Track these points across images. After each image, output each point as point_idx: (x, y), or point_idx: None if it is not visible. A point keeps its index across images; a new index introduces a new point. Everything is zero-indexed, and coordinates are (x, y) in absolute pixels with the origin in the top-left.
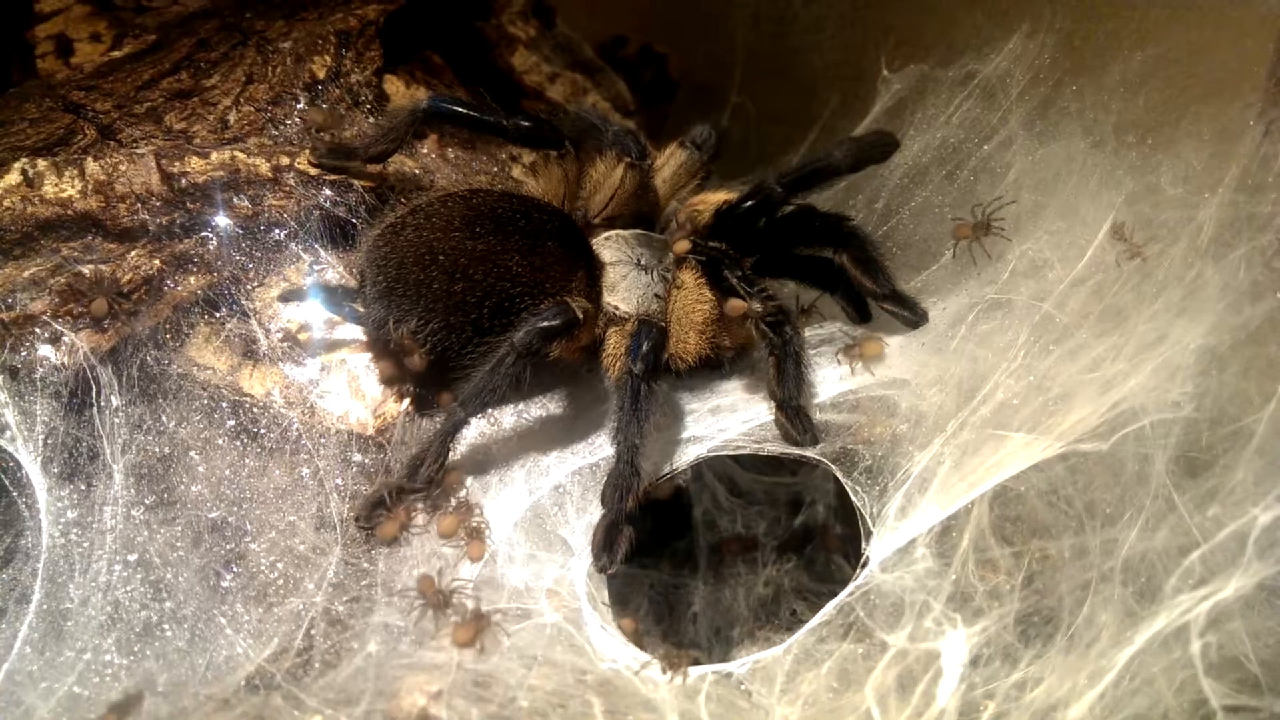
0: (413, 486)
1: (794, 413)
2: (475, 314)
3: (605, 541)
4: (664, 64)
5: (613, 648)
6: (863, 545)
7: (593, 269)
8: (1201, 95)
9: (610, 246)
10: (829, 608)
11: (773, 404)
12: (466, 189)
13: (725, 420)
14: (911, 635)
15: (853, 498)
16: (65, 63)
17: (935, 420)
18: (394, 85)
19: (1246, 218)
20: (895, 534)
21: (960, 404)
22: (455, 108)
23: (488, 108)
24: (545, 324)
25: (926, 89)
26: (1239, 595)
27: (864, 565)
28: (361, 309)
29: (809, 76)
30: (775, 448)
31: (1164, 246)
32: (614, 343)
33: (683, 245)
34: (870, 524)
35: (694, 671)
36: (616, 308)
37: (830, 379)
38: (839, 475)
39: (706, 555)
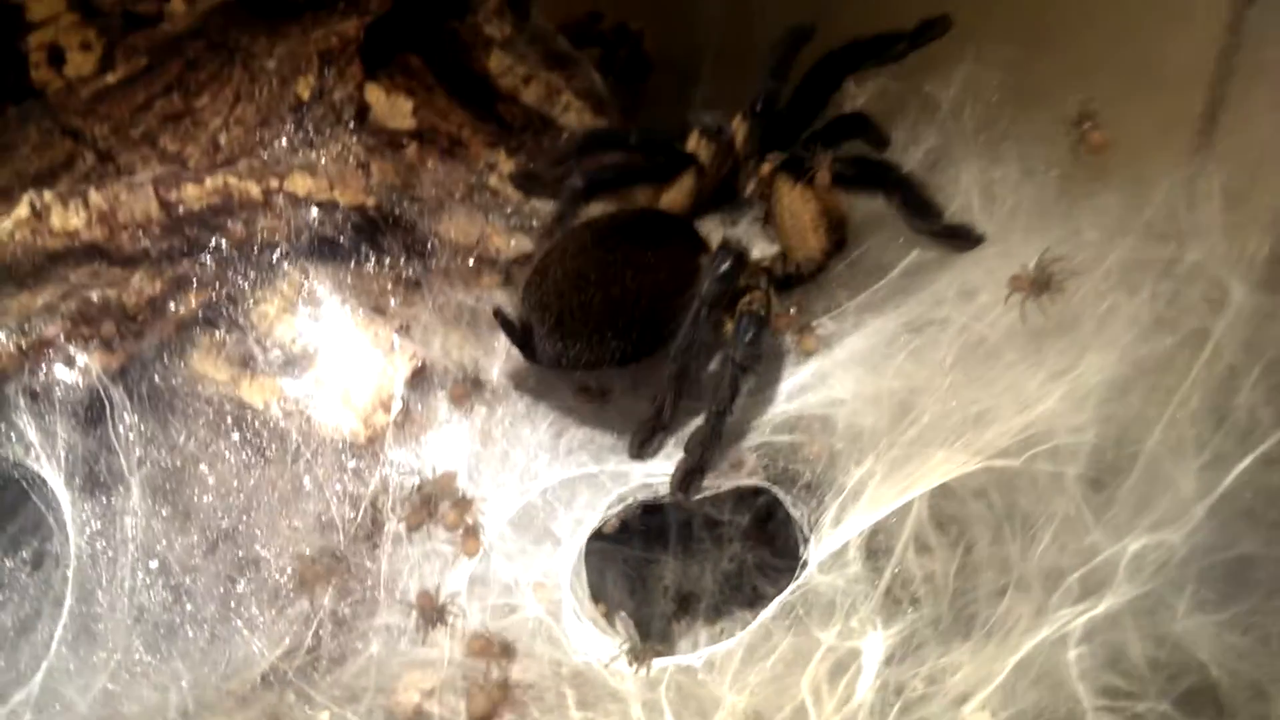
0: (660, 424)
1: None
2: (638, 311)
3: (682, 482)
4: (639, 42)
5: (586, 640)
6: (801, 550)
7: (706, 245)
8: (1122, 140)
9: (701, 227)
10: (774, 604)
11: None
12: (586, 220)
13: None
14: (840, 633)
15: (791, 511)
16: (58, 72)
17: (870, 438)
18: (375, 94)
19: (1150, 262)
20: (830, 539)
21: (892, 422)
22: (610, 174)
23: (634, 159)
24: (723, 269)
25: (886, 103)
26: (1108, 613)
27: (804, 567)
28: (539, 350)
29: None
30: (729, 483)
31: (1080, 283)
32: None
33: (766, 168)
34: (808, 531)
35: (657, 664)
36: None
37: (779, 398)
38: (779, 495)
39: (677, 532)
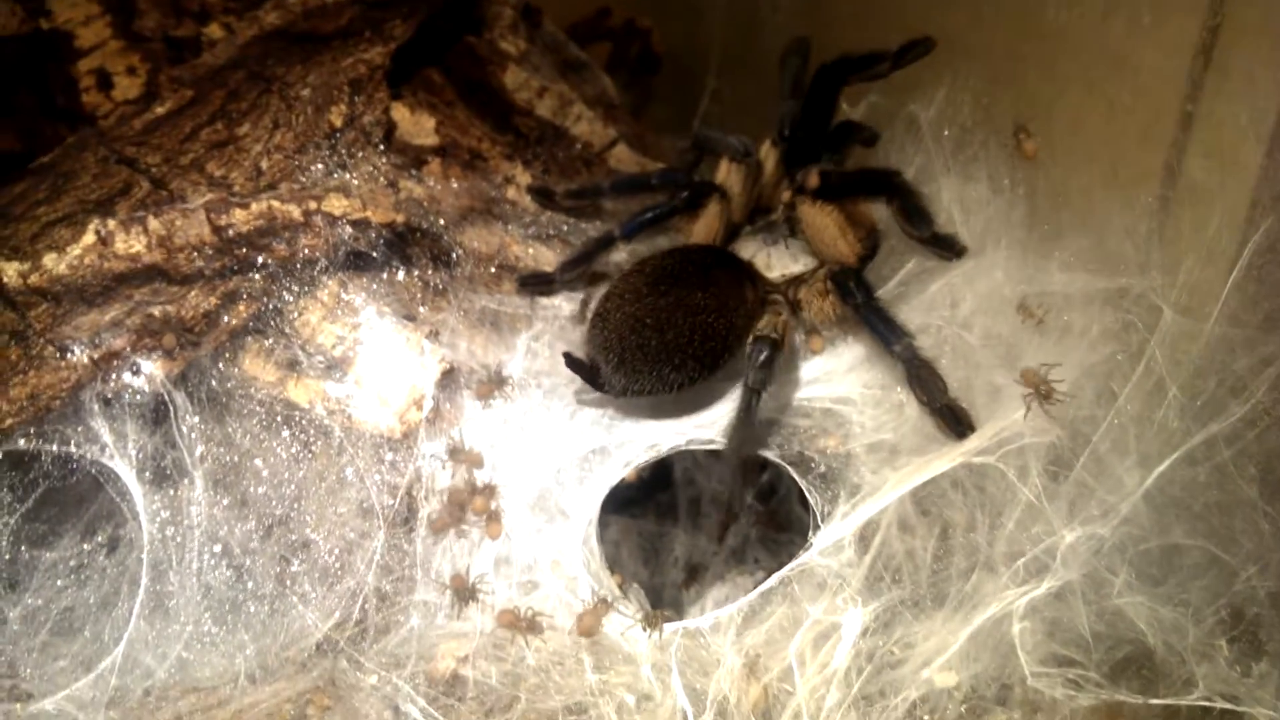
0: (734, 516)
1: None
2: (691, 348)
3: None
4: (648, 38)
5: None
6: (810, 533)
7: (750, 268)
8: (1075, 169)
9: (741, 249)
10: (774, 578)
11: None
12: (638, 263)
13: (702, 417)
14: (826, 609)
15: (808, 495)
16: (107, 95)
17: (887, 452)
18: (400, 113)
19: (1098, 290)
20: (836, 528)
21: (897, 429)
22: (641, 220)
23: (659, 202)
24: (762, 358)
25: (875, 120)
26: (1047, 592)
27: (808, 549)
28: (606, 384)
29: (776, 79)
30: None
31: (1046, 309)
32: (811, 302)
33: (786, 195)
34: (820, 519)
35: (668, 628)
36: (784, 273)
37: (790, 386)
38: (796, 477)
39: (686, 508)
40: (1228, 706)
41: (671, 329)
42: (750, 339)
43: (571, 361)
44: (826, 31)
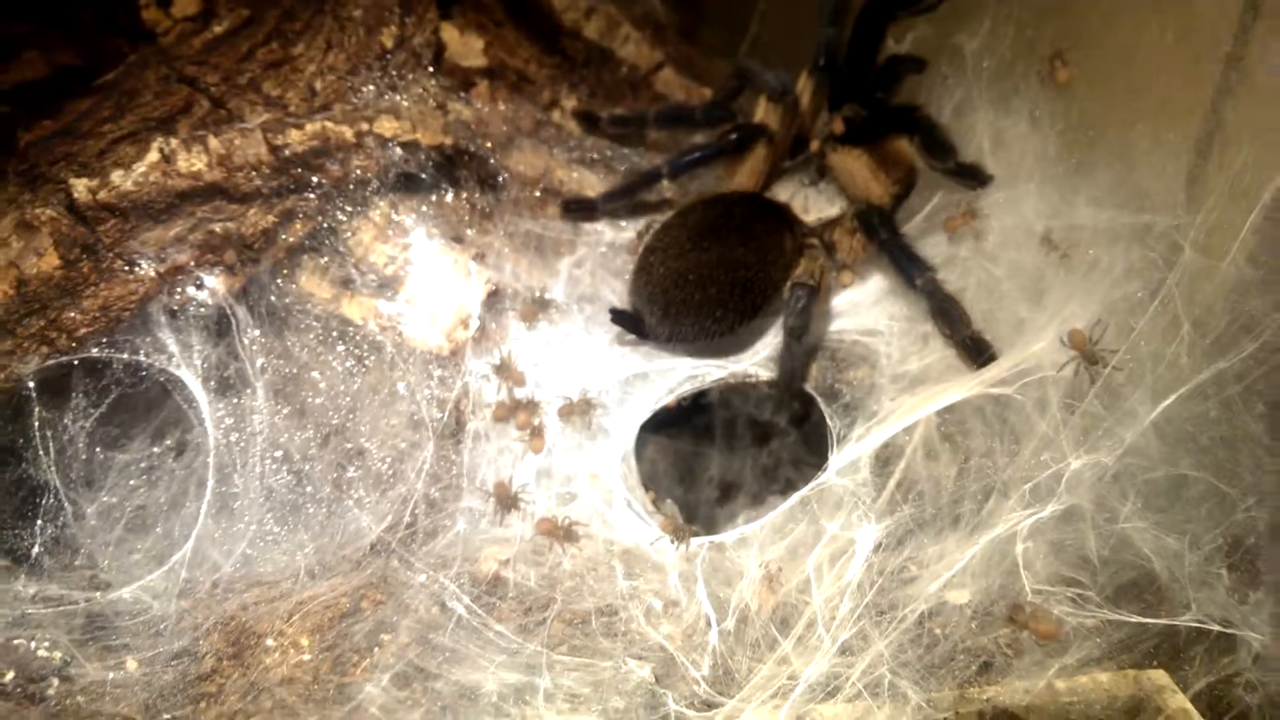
0: (795, 391)
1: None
2: (732, 301)
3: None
4: None
5: (634, 525)
6: (829, 452)
7: (789, 215)
8: (1114, 104)
9: (780, 190)
10: (795, 498)
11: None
12: (679, 213)
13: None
14: (842, 525)
15: (828, 422)
16: (165, 12)
17: (909, 382)
18: (450, 33)
19: (1124, 226)
20: (851, 450)
21: (921, 360)
22: (689, 159)
23: (705, 140)
24: (800, 305)
25: (920, 52)
26: (1052, 516)
27: (824, 470)
28: (650, 333)
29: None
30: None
31: (1072, 243)
32: (841, 241)
33: (815, 145)
34: (836, 442)
35: (695, 541)
36: (820, 217)
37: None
38: (822, 406)
39: (722, 429)
40: (1220, 629)
41: (714, 284)
42: (789, 285)
43: (617, 315)
44: None
